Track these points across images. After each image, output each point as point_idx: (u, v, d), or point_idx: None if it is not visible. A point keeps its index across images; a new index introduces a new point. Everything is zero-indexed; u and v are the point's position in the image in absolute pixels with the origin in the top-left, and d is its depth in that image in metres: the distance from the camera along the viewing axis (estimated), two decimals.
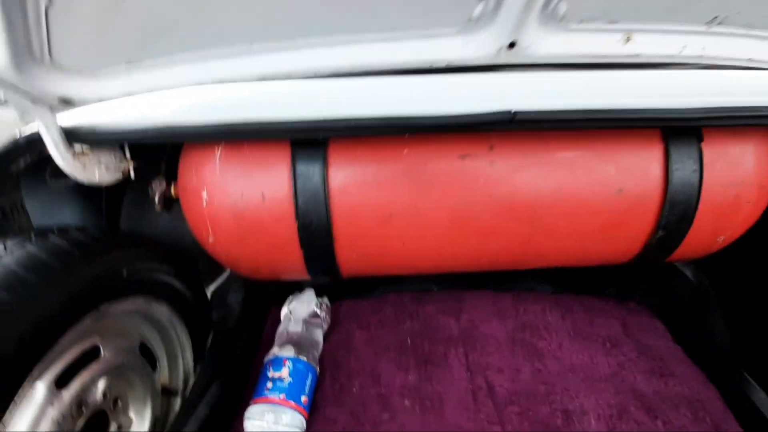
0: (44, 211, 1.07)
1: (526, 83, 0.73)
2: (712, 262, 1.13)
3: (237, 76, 0.78)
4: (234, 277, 1.23)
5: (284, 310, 1.25)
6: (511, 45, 0.67)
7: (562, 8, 0.63)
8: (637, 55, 0.71)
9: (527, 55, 0.69)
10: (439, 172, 0.85)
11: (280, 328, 1.20)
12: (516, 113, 0.70)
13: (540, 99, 0.72)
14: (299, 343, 1.13)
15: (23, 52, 0.65)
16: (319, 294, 1.31)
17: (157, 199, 1.05)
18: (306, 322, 1.20)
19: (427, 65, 0.71)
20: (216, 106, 0.76)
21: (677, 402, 1.01)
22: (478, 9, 0.62)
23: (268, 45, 0.72)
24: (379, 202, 0.88)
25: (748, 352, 1.02)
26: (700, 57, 0.72)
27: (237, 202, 0.87)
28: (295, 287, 1.35)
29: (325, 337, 1.24)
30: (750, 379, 0.98)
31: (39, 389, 0.71)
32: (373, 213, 0.88)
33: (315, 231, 0.88)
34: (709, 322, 1.10)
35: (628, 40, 0.68)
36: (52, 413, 0.72)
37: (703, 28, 0.67)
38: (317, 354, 1.16)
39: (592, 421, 1.00)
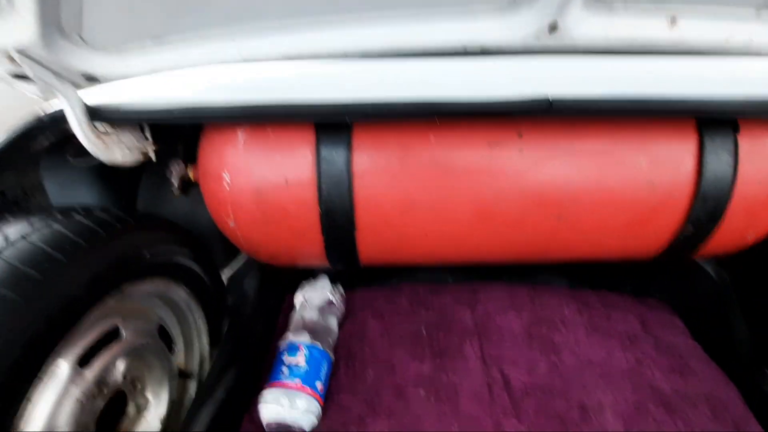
0: (63, 191, 1.06)
1: (563, 69, 0.71)
2: (734, 259, 1.11)
3: (264, 54, 0.77)
4: (250, 263, 1.23)
5: (299, 297, 1.25)
6: (552, 27, 0.65)
7: None
8: (682, 42, 0.68)
9: (568, 39, 0.67)
10: (466, 160, 0.84)
11: (296, 315, 1.19)
12: (553, 101, 0.68)
13: (577, 86, 0.70)
14: (314, 330, 1.13)
15: (53, 28, 0.64)
16: (333, 281, 1.31)
17: (175, 182, 1.05)
18: (321, 309, 1.19)
19: (460, 48, 0.69)
20: (242, 86, 0.74)
21: (696, 400, 1.00)
22: None
23: (297, 21, 0.70)
24: (403, 189, 0.86)
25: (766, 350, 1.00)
26: (748, 46, 0.69)
27: (259, 185, 0.86)
28: (308, 274, 1.34)
29: (340, 325, 1.24)
30: None
31: (63, 367, 0.71)
32: (397, 200, 0.87)
33: (337, 217, 0.87)
34: (729, 320, 1.08)
35: (673, 23, 0.66)
36: (75, 392, 0.72)
37: (753, 13, 0.65)
38: (332, 341, 1.16)
39: (609, 417, 0.99)
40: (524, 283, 1.33)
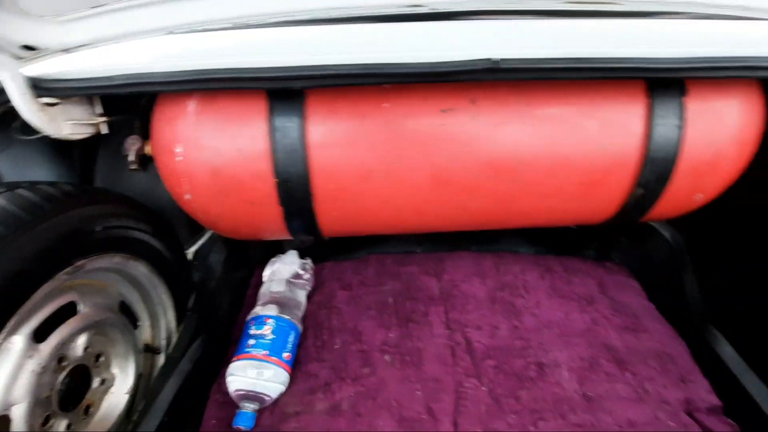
0: (16, 168, 1.04)
1: (509, 30, 0.71)
2: (689, 222, 1.15)
3: (209, 20, 0.75)
4: (215, 239, 1.22)
5: (267, 271, 1.26)
6: None
7: None
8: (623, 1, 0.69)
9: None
10: (420, 127, 0.84)
11: (263, 289, 1.20)
12: (499, 61, 0.68)
13: (524, 47, 0.70)
14: (282, 303, 1.14)
15: None
16: (302, 256, 1.32)
17: (131, 157, 1.03)
18: (289, 283, 1.21)
19: (409, 10, 0.68)
20: (187, 53, 0.73)
21: (647, 355, 1.06)
22: None
23: None
24: (359, 158, 0.87)
25: (717, 308, 1.05)
26: (690, 4, 0.70)
27: (213, 157, 0.85)
28: (278, 249, 1.35)
29: (309, 297, 1.26)
30: (718, 333, 1.02)
31: (16, 342, 0.71)
32: (353, 169, 0.87)
33: (294, 188, 0.87)
34: (683, 280, 1.13)
35: None
36: (31, 365, 0.73)
37: None
38: (300, 313, 1.18)
39: (565, 373, 1.04)
40: (490, 251, 1.36)
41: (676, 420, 0.93)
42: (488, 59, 0.68)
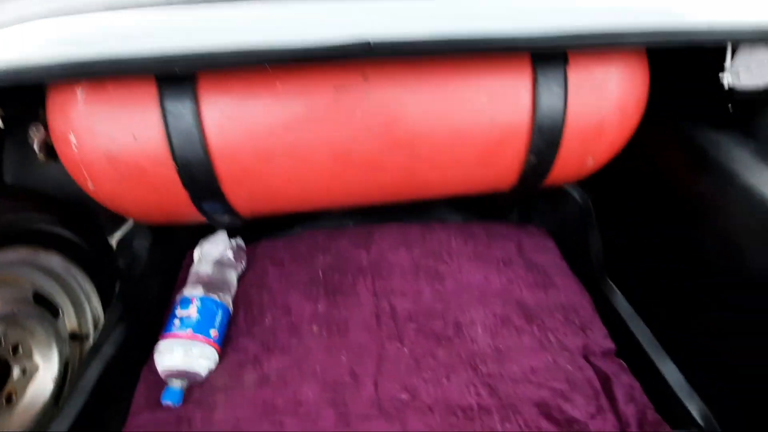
0: None
1: (384, 9, 0.72)
2: (596, 183, 1.23)
3: (80, 6, 0.72)
4: (139, 225, 1.22)
5: (197, 253, 1.27)
6: None
7: None
8: None
9: None
10: (314, 105, 0.85)
11: (192, 270, 1.22)
12: (373, 43, 0.70)
13: (399, 26, 0.71)
14: (209, 283, 1.16)
15: None
16: (234, 236, 1.33)
17: (37, 147, 1.00)
18: (217, 263, 1.22)
19: None
20: (55, 40, 0.70)
21: (553, 309, 1.14)
22: None
23: None
24: (259, 139, 0.87)
25: (614, 261, 1.14)
26: None
27: (108, 145, 0.84)
28: (210, 231, 1.35)
29: (241, 276, 1.28)
30: (613, 286, 1.12)
31: None
32: (254, 151, 0.88)
33: (196, 172, 0.88)
34: (588, 237, 1.22)
35: None
36: None
37: None
38: (230, 292, 1.20)
39: (479, 330, 1.12)
40: (420, 221, 1.41)
41: (573, 363, 1.03)
42: (363, 42, 0.69)
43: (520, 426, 0.94)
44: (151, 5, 0.73)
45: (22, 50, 0.72)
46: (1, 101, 0.92)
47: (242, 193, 0.95)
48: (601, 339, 1.09)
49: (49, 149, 1.02)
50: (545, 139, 0.92)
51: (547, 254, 1.30)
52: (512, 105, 0.89)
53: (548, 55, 0.86)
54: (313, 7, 0.71)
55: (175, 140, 0.84)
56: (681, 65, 0.99)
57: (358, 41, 0.70)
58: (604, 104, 0.91)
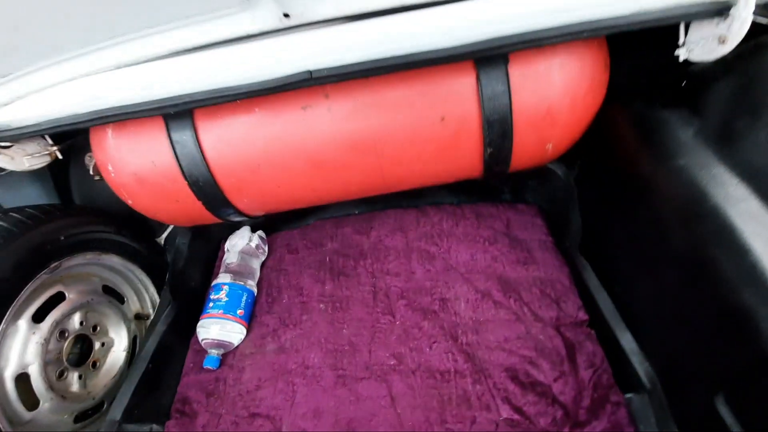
0: (10, 193, 1.32)
1: (320, 41, 0.84)
2: (575, 161, 1.26)
3: (97, 68, 0.93)
4: (179, 226, 1.48)
5: (226, 245, 1.52)
6: (286, 15, 0.77)
7: None
8: (402, 5, 0.79)
9: (306, 19, 0.80)
10: (287, 124, 1.01)
11: (223, 260, 1.47)
12: (312, 72, 0.83)
13: (334, 54, 0.83)
14: (236, 271, 1.40)
15: None
16: (257, 229, 1.56)
17: (92, 171, 1.27)
18: (242, 253, 1.46)
19: (230, 37, 0.83)
20: (83, 98, 0.93)
21: (532, 283, 1.23)
22: None
23: (108, 41, 0.86)
24: (247, 154, 1.05)
25: (585, 237, 1.19)
26: None
27: (135, 170, 1.07)
28: (237, 227, 1.59)
29: (264, 262, 1.51)
30: (584, 260, 1.17)
31: (21, 324, 1.02)
32: (245, 165, 1.06)
33: (204, 186, 1.08)
34: (570, 213, 1.26)
35: None
36: (35, 339, 1.03)
37: None
38: (254, 277, 1.44)
39: (462, 304, 1.24)
40: (416, 206, 1.53)
41: (544, 333, 1.13)
42: (304, 72, 0.82)
43: (489, 387, 1.08)
44: (146, 61, 0.92)
45: (62, 106, 0.95)
46: (56, 140, 1.19)
47: (243, 198, 1.15)
48: (574, 310, 1.16)
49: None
50: (496, 131, 0.99)
51: (533, 231, 1.37)
52: (460, 104, 0.97)
53: (489, 57, 0.92)
54: (265, 49, 0.85)
55: (183, 162, 1.04)
56: (640, 46, 1.00)
57: (301, 72, 0.84)
58: (550, 93, 0.95)
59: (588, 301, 1.15)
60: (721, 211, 0.74)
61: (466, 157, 1.07)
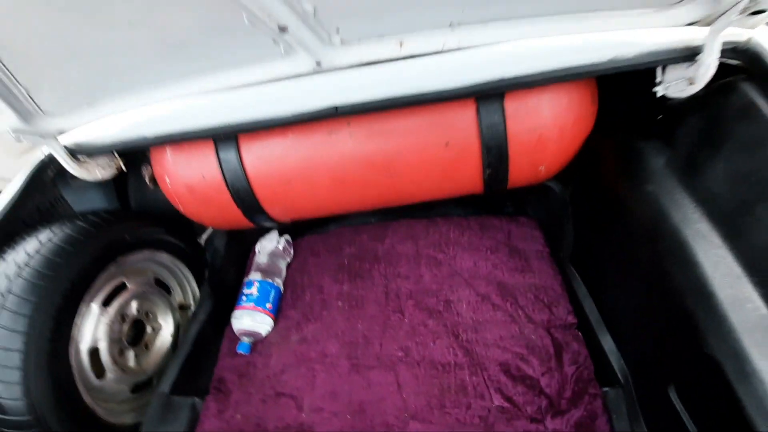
0: (79, 198, 1.55)
1: (344, 82, 1.02)
2: (570, 178, 1.40)
3: (159, 99, 1.14)
4: (217, 229, 1.69)
5: (257, 247, 1.71)
6: (318, 63, 0.96)
7: (337, 38, 0.90)
8: (412, 54, 0.96)
9: (335, 66, 0.98)
10: (315, 146, 1.19)
11: (254, 260, 1.66)
12: (338, 107, 1.01)
13: (356, 93, 1.01)
14: (266, 270, 1.59)
15: (23, 112, 1.05)
16: (284, 233, 1.75)
17: (147, 180, 1.49)
18: (271, 254, 1.65)
19: (272, 78, 1.03)
20: (152, 122, 1.13)
21: (527, 289, 1.37)
22: (282, 48, 0.92)
23: (169, 81, 1.06)
24: (280, 170, 1.24)
25: (577, 249, 1.32)
26: (460, 47, 0.95)
27: (187, 183, 1.28)
28: (267, 231, 1.79)
29: (290, 264, 1.70)
30: (573, 270, 1.31)
31: (94, 308, 1.23)
32: (278, 178, 1.25)
33: (243, 196, 1.28)
34: (564, 227, 1.40)
35: (401, 44, 0.93)
36: (105, 320, 1.25)
37: (448, 30, 0.91)
38: (281, 276, 1.63)
39: (464, 306, 1.39)
40: (427, 216, 1.69)
41: (535, 334, 1.27)
42: (331, 107, 1.00)
43: (484, 379, 1.22)
44: (198, 93, 1.12)
45: (132, 127, 1.16)
46: (120, 154, 1.41)
47: (276, 207, 1.34)
48: (564, 314, 1.30)
49: (155, 180, 1.51)
50: (494, 154, 1.15)
51: (531, 242, 1.51)
52: (462, 132, 1.13)
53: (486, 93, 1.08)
54: (300, 87, 1.04)
55: (227, 176, 1.24)
56: (625, 84, 1.14)
57: (328, 107, 1.02)
58: (541, 123, 1.10)
59: (577, 307, 1.28)
60: (678, 230, 0.88)
61: (468, 177, 1.23)
